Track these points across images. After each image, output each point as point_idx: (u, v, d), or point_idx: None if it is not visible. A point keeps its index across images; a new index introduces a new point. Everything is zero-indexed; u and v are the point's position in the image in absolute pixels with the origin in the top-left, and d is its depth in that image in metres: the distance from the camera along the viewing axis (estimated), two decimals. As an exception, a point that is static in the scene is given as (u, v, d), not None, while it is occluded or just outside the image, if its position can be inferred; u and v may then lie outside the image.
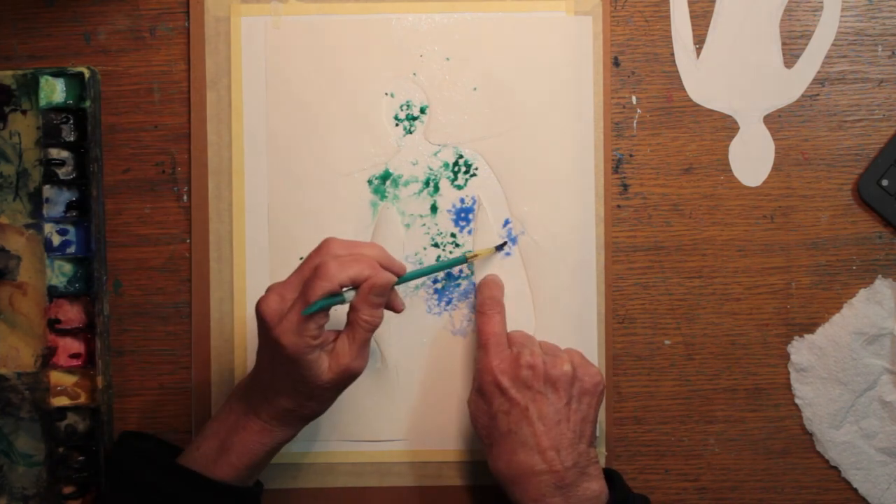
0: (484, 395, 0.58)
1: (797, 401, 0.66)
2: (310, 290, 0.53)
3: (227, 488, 0.56)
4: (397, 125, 0.65)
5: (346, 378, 0.56)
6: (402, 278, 0.58)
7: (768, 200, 0.66)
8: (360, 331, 0.55)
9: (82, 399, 0.64)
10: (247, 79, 0.65)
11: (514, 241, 0.65)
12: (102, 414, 0.63)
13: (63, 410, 0.64)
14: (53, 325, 0.63)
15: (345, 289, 0.54)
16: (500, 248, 0.64)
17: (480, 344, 0.60)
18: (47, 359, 0.64)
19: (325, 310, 0.54)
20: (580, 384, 0.58)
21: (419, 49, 0.65)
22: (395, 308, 0.59)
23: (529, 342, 0.60)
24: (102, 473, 0.63)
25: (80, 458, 0.64)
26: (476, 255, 0.63)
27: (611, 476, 0.59)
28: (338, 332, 0.56)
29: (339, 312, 0.56)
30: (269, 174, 0.65)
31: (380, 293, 0.55)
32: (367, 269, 0.55)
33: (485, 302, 0.62)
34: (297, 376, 0.55)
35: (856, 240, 0.66)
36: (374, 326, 0.56)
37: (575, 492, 0.56)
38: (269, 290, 0.55)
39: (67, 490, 0.63)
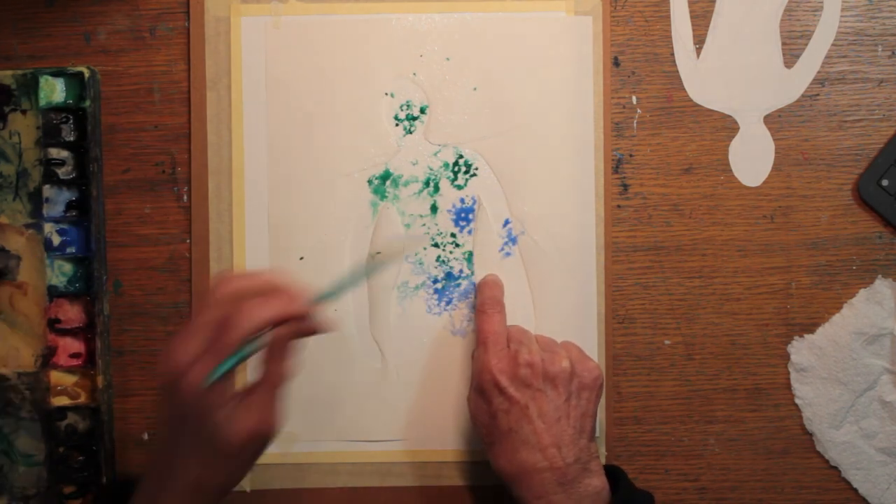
0: (483, 393, 0.58)
1: (797, 401, 0.66)
2: (222, 341, 0.48)
3: None
4: (397, 125, 0.65)
5: (259, 442, 0.51)
6: (323, 296, 0.53)
7: (768, 200, 0.66)
8: (270, 386, 0.51)
9: (82, 399, 0.64)
10: (247, 79, 0.65)
11: (514, 241, 0.65)
12: (102, 414, 0.63)
13: (63, 410, 0.64)
14: (53, 324, 0.63)
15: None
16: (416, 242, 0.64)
17: (480, 342, 0.60)
18: (47, 358, 0.64)
19: (232, 368, 0.49)
20: (579, 380, 0.58)
21: (419, 49, 0.65)
22: (325, 331, 0.53)
23: (527, 339, 0.60)
24: (102, 473, 0.63)
25: (81, 457, 0.64)
26: (385, 257, 0.63)
27: (615, 473, 0.59)
28: (246, 388, 0.52)
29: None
30: (269, 174, 0.65)
31: (291, 347, 0.51)
32: (281, 310, 0.50)
33: (485, 301, 0.62)
34: (204, 442, 0.50)
35: (856, 240, 0.66)
36: (285, 381, 0.51)
37: (577, 488, 0.56)
38: (169, 343, 0.50)
39: (68, 490, 0.63)
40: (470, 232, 0.65)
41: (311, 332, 0.52)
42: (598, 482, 0.57)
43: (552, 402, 0.57)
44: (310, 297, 0.51)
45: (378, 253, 0.63)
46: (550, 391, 0.57)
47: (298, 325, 0.51)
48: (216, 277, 0.51)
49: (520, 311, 0.65)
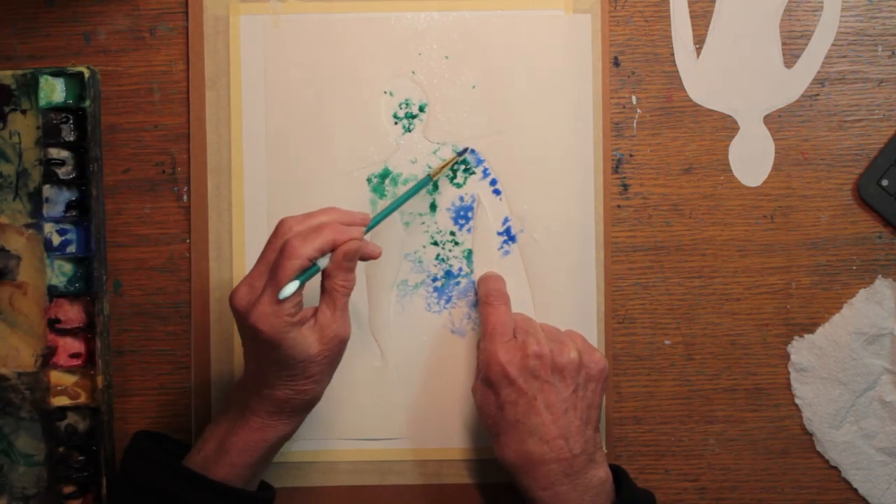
0: (491, 385, 0.59)
1: (797, 401, 0.66)
2: (279, 271, 0.53)
3: (226, 489, 0.56)
4: (396, 123, 0.66)
5: (336, 346, 0.56)
6: (369, 226, 0.59)
7: (768, 200, 0.66)
8: (339, 296, 0.56)
9: (82, 399, 0.64)
10: (246, 78, 0.65)
11: (513, 239, 0.66)
12: (103, 414, 0.64)
13: (63, 410, 0.64)
14: (53, 324, 0.64)
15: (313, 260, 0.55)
16: (461, 153, 0.65)
17: (486, 333, 0.61)
18: (47, 358, 0.64)
19: (301, 288, 0.54)
20: (586, 371, 0.59)
21: (418, 47, 0.65)
22: (372, 256, 0.59)
23: (533, 328, 0.61)
24: (102, 473, 0.63)
25: (81, 457, 0.64)
26: (439, 171, 0.64)
27: (617, 473, 0.60)
28: (314, 308, 0.57)
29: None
30: (269, 173, 0.65)
31: (351, 257, 0.56)
32: (332, 234, 0.55)
33: (489, 293, 0.63)
34: (285, 360, 0.55)
35: (856, 240, 0.66)
36: (351, 289, 0.56)
37: (583, 479, 0.57)
38: (238, 285, 0.56)
39: (67, 490, 0.64)
40: (469, 230, 0.66)
41: (359, 253, 0.56)
42: (602, 473, 0.58)
43: (560, 394, 0.58)
44: (357, 226, 0.57)
45: (434, 169, 0.63)
46: (559, 382, 0.58)
47: (347, 248, 0.55)
48: (279, 223, 0.56)
49: (519, 309, 0.65)
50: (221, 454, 0.57)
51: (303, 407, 0.58)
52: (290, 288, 0.53)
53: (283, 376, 0.56)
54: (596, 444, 0.59)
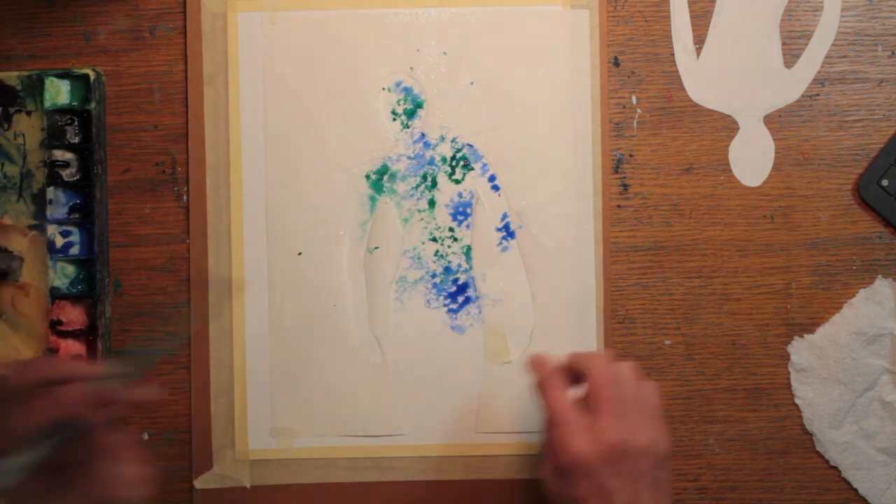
0: (567, 477, 0.54)
1: (797, 401, 0.67)
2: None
3: None
4: (395, 120, 0.67)
5: None
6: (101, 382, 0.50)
7: (768, 200, 0.67)
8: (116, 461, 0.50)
9: None
10: (244, 75, 0.66)
11: (512, 235, 0.67)
12: None
13: None
14: (55, 326, 0.65)
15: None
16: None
17: (552, 422, 0.56)
18: None
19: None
20: (656, 456, 0.55)
21: (416, 44, 0.67)
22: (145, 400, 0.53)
23: (615, 406, 0.55)
24: None
25: None
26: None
27: None
28: None
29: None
30: (267, 170, 0.66)
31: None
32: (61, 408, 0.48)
33: (544, 377, 0.58)
34: None
35: (856, 240, 0.67)
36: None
37: None
38: None
39: None
40: (468, 226, 0.67)
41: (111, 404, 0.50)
42: None
43: (640, 491, 0.54)
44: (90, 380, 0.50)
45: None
46: (639, 479, 0.54)
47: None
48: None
49: (518, 306, 0.66)
50: None
51: None
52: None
53: None
54: None
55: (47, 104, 0.65)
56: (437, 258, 0.67)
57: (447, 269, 0.67)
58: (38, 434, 0.46)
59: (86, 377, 0.48)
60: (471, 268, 0.67)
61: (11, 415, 0.46)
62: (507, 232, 0.67)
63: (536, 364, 0.60)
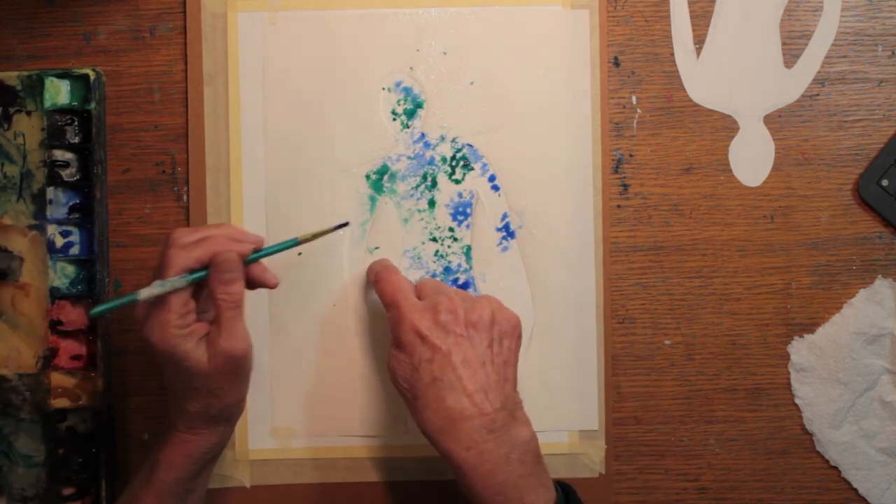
0: (404, 347, 0.58)
1: (797, 401, 0.68)
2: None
3: None
4: (395, 120, 0.67)
5: (228, 363, 0.56)
6: (259, 254, 0.59)
7: (768, 200, 0.68)
8: (222, 310, 0.56)
9: (83, 401, 0.65)
10: (244, 75, 0.66)
11: (512, 235, 0.67)
12: (103, 416, 0.65)
13: (63, 412, 0.65)
14: (55, 326, 0.65)
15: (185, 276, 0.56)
16: (340, 226, 0.63)
17: (388, 303, 0.60)
18: (48, 360, 0.65)
19: (170, 296, 0.55)
20: (499, 327, 0.59)
21: (416, 44, 0.67)
22: (266, 284, 0.59)
23: (442, 288, 0.61)
24: (102, 475, 0.64)
25: (80, 459, 0.65)
26: (309, 237, 0.62)
27: (565, 489, 0.60)
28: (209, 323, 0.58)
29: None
30: (267, 170, 0.66)
31: (226, 269, 0.56)
32: (213, 246, 0.56)
33: (377, 271, 0.63)
34: (184, 373, 0.56)
35: (856, 240, 0.68)
36: (235, 304, 0.57)
37: (506, 435, 0.56)
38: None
39: (67, 492, 0.65)
40: (468, 226, 0.67)
41: (236, 265, 0.57)
42: (526, 432, 0.57)
43: (475, 349, 0.57)
44: (248, 243, 0.58)
45: (304, 235, 0.62)
46: (473, 337, 0.58)
47: (221, 257, 0.57)
48: (167, 235, 0.58)
49: (518, 305, 0.66)
50: (152, 472, 0.58)
51: (217, 419, 0.58)
52: (146, 291, 0.55)
53: (188, 389, 0.57)
54: (516, 402, 0.58)
55: (47, 104, 0.65)
56: (437, 258, 0.67)
57: (447, 269, 0.67)
58: (191, 268, 0.56)
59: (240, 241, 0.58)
60: (471, 268, 0.67)
61: (174, 255, 0.56)
62: (507, 232, 0.67)
63: (371, 265, 0.65)
